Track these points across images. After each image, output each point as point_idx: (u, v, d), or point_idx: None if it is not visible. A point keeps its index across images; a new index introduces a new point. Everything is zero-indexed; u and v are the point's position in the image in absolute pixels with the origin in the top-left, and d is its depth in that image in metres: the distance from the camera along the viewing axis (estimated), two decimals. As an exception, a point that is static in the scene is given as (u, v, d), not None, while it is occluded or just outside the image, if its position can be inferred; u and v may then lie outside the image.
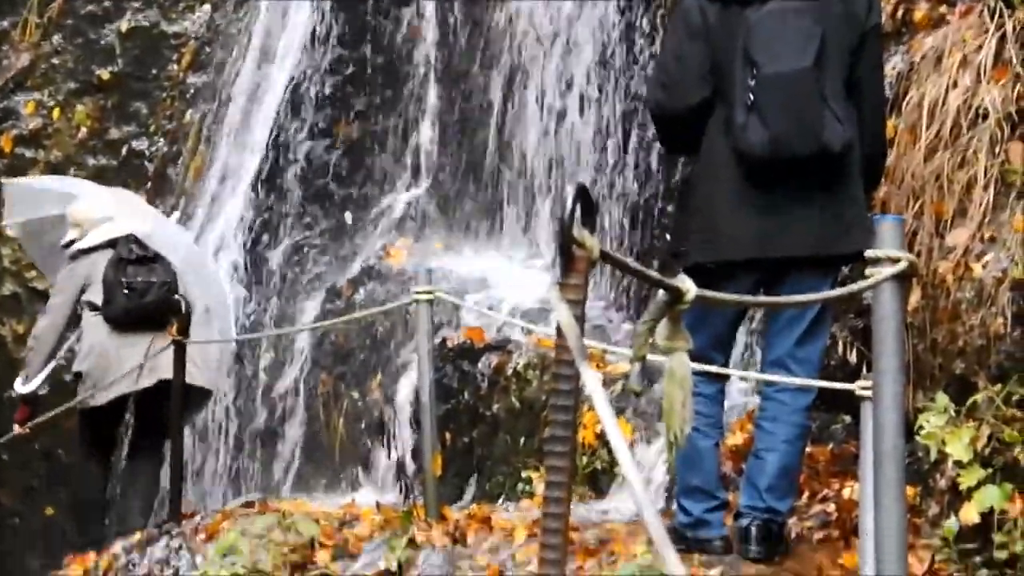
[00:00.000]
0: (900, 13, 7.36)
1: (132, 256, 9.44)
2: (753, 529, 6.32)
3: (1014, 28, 6.84)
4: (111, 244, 9.57)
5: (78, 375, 9.50)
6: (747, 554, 6.24)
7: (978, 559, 6.05)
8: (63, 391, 9.92)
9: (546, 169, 9.03)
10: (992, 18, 6.94)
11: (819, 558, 6.28)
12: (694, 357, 6.07)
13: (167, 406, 9.13)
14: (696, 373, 6.05)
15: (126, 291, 9.37)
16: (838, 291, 4.39)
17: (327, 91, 9.88)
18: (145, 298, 9.30)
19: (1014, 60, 6.80)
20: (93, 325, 9.44)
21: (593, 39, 8.86)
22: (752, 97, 6.18)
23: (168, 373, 9.02)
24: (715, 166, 6.34)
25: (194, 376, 9.18)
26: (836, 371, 6.90)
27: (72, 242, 9.64)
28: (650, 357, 3.46)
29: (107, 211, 9.78)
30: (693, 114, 6.29)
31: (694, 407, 6.19)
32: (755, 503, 6.33)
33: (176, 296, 9.26)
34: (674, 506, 7.13)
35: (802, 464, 6.53)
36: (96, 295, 9.45)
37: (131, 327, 9.35)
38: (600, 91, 8.82)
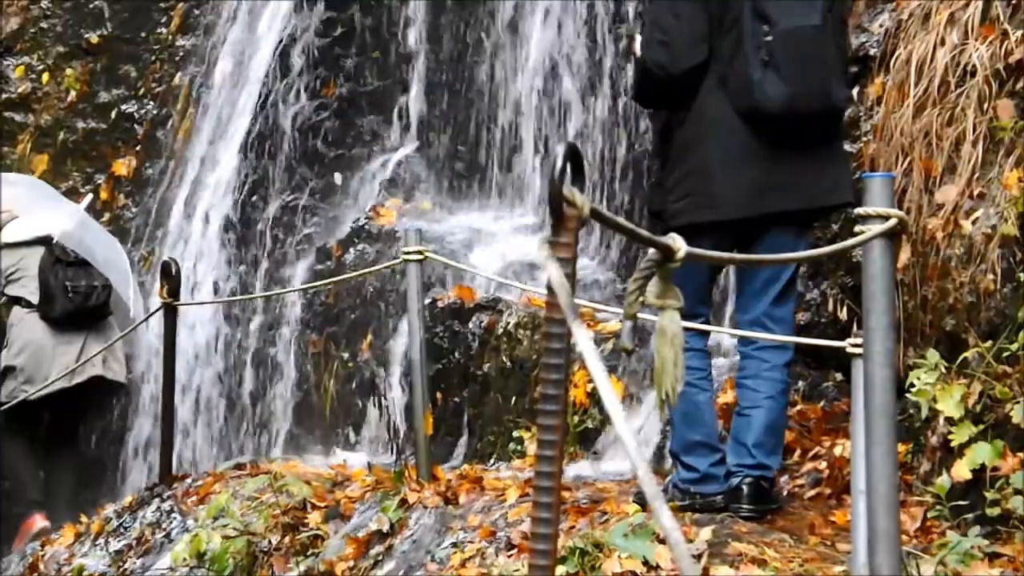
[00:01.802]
0: (883, -33, 7.36)
1: (70, 258, 9.68)
2: (744, 487, 6.33)
3: (1002, -12, 6.85)
4: (40, 241, 9.73)
5: (8, 368, 9.73)
6: (739, 512, 6.25)
7: (970, 516, 6.04)
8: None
9: (536, 128, 9.01)
10: (979, -24, 6.94)
11: (811, 516, 6.30)
12: (683, 314, 6.14)
13: (90, 401, 9.94)
14: (686, 328, 6.07)
15: (70, 294, 9.65)
16: (828, 248, 4.39)
17: (316, 52, 9.85)
18: (88, 302, 9.80)
19: (1001, 17, 6.79)
20: (27, 322, 9.81)
21: (582, 6, 8.85)
22: (769, 53, 6.21)
23: (99, 371, 9.68)
24: (709, 125, 6.33)
25: (116, 372, 9.86)
26: (827, 328, 6.92)
27: None
28: (640, 315, 3.44)
29: (24, 204, 9.91)
30: (692, 74, 6.28)
31: (687, 362, 6.25)
32: (744, 460, 6.34)
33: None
34: (668, 464, 7.14)
35: (787, 420, 6.56)
36: (29, 292, 9.79)
37: (68, 326, 9.76)
38: (589, 49, 8.80)
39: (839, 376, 6.78)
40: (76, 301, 9.83)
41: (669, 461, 7.17)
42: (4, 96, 10.87)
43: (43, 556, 8.60)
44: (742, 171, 6.27)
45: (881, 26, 7.34)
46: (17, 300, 9.88)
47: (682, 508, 6.22)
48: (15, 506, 9.86)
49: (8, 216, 9.96)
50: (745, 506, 6.28)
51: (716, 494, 6.31)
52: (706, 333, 6.44)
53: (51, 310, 9.83)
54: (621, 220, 3.44)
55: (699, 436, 6.33)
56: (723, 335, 7.46)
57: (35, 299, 9.83)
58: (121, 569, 7.88)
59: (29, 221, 9.96)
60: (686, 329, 5.96)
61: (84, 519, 8.74)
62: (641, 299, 3.36)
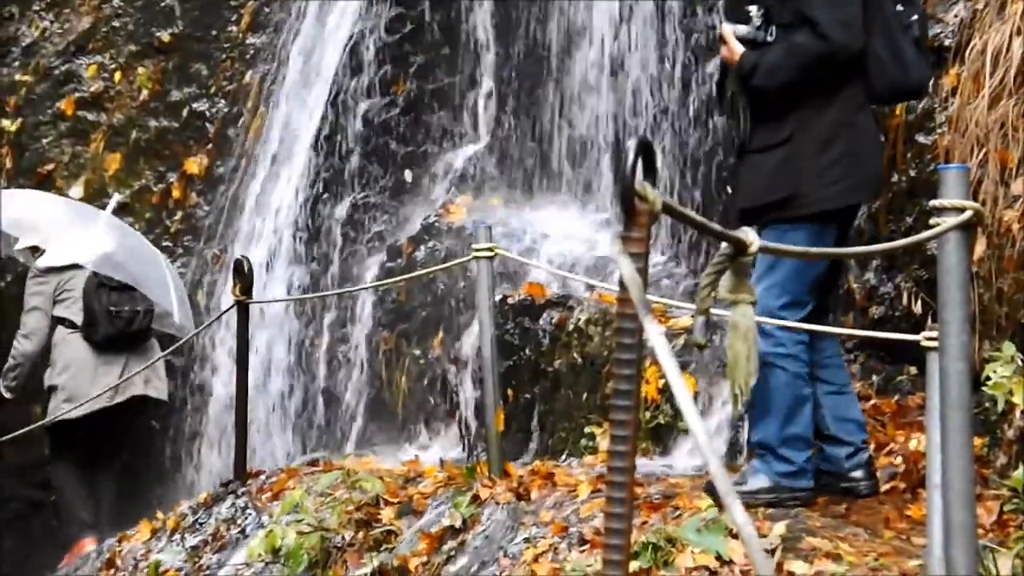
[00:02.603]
0: (955, -42, 7.32)
1: (113, 282, 9.93)
2: (868, 462, 6.41)
3: (1079, -29, 6.81)
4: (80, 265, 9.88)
5: (51, 387, 9.87)
6: (869, 490, 6.33)
7: (1047, 509, 6.04)
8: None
9: (606, 123, 9.01)
10: (1055, -39, 6.90)
11: (885, 510, 6.27)
12: (796, 302, 6.19)
13: (129, 419, 10.11)
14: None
15: (113, 318, 9.95)
16: (903, 241, 4.37)
17: (386, 49, 9.87)
18: (131, 326, 10.05)
19: (1083, 7, 6.76)
20: (70, 343, 10.01)
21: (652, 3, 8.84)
22: (916, 35, 6.35)
23: (140, 391, 9.92)
24: (859, 108, 6.36)
25: (159, 391, 10.11)
26: (901, 322, 6.88)
27: (35, 249, 9.90)
28: (713, 311, 3.44)
29: (56, 227, 10.04)
30: (858, 55, 6.29)
31: (798, 354, 6.27)
32: (858, 436, 6.43)
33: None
34: (741, 459, 7.13)
35: None
36: (73, 314, 10.00)
37: (110, 348, 9.96)
38: (659, 44, 8.79)
39: (913, 370, 6.75)
40: (119, 325, 10.05)
41: (743, 455, 7.17)
42: (77, 95, 10.94)
43: (120, 552, 8.66)
44: (879, 155, 6.48)
45: (956, 16, 7.29)
46: (61, 320, 10.03)
47: (770, 504, 6.21)
48: (66, 526, 9.94)
49: (50, 236, 10.11)
50: (866, 482, 6.32)
51: (805, 489, 6.29)
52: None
53: (94, 333, 10.03)
54: (693, 214, 3.45)
55: (799, 429, 6.30)
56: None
57: (79, 320, 9.99)
58: (196, 564, 7.93)
59: (68, 245, 10.08)
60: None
61: (160, 515, 8.79)
62: (713, 294, 3.36)
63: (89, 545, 9.79)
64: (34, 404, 10.30)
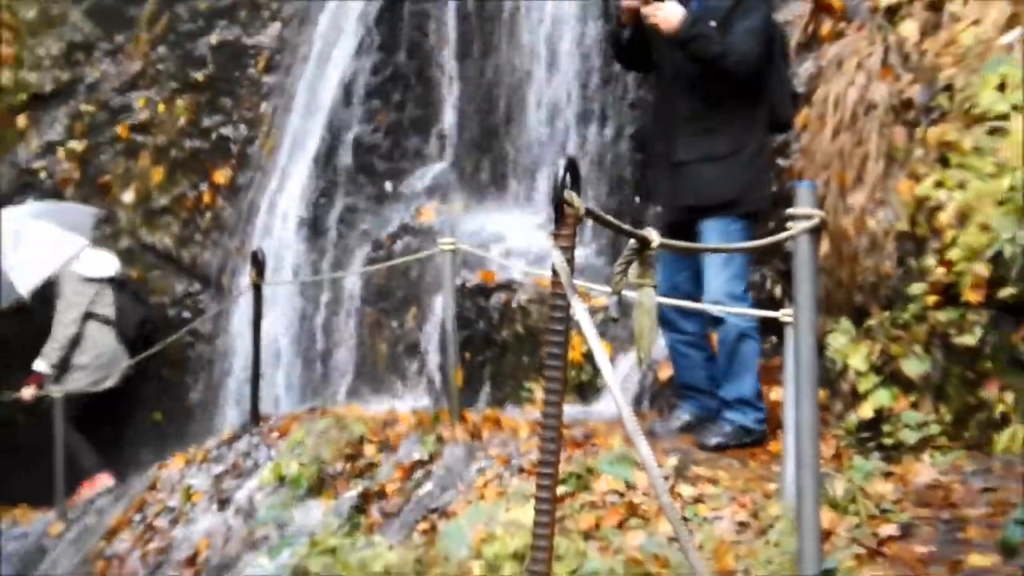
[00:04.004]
0: (811, 28, 7.35)
1: (141, 296, 10.45)
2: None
3: (895, 40, 6.87)
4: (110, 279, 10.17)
5: (76, 366, 10.02)
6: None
7: (871, 445, 6.12)
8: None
9: (542, 147, 9.01)
10: (879, 32, 6.97)
11: (752, 447, 6.33)
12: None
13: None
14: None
15: (140, 323, 10.26)
16: (768, 240, 4.39)
17: (371, 87, 9.85)
18: (154, 335, 10.20)
19: (896, 65, 6.83)
20: (103, 333, 10.01)
21: (577, 52, 8.84)
22: (791, 85, 6.58)
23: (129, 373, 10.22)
24: (765, 136, 6.50)
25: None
26: (765, 303, 6.92)
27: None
28: (625, 292, 3.47)
29: (84, 239, 10.21)
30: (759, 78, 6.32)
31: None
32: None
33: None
34: (644, 407, 7.15)
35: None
36: (107, 311, 9.98)
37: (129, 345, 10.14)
38: (583, 86, 8.80)
39: (775, 339, 6.79)
40: (146, 330, 10.24)
41: (645, 405, 7.21)
42: (130, 122, 10.88)
43: (159, 477, 8.64)
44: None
45: (807, 70, 7.37)
46: (94, 315, 10.01)
47: (742, 444, 6.31)
48: (77, 471, 9.87)
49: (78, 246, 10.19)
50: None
51: (763, 429, 6.40)
52: None
53: (123, 332, 10.12)
54: (609, 217, 3.47)
55: (758, 386, 6.45)
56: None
57: (111, 316, 9.98)
58: (219, 488, 7.92)
59: (98, 258, 10.22)
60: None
61: (192, 450, 8.78)
62: (624, 280, 3.38)
63: (106, 480, 9.79)
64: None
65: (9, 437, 10.41)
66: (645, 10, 6.15)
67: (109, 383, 10.08)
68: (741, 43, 6.12)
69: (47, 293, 10.18)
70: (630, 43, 6.43)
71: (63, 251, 10.11)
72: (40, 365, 10.02)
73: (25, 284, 10.13)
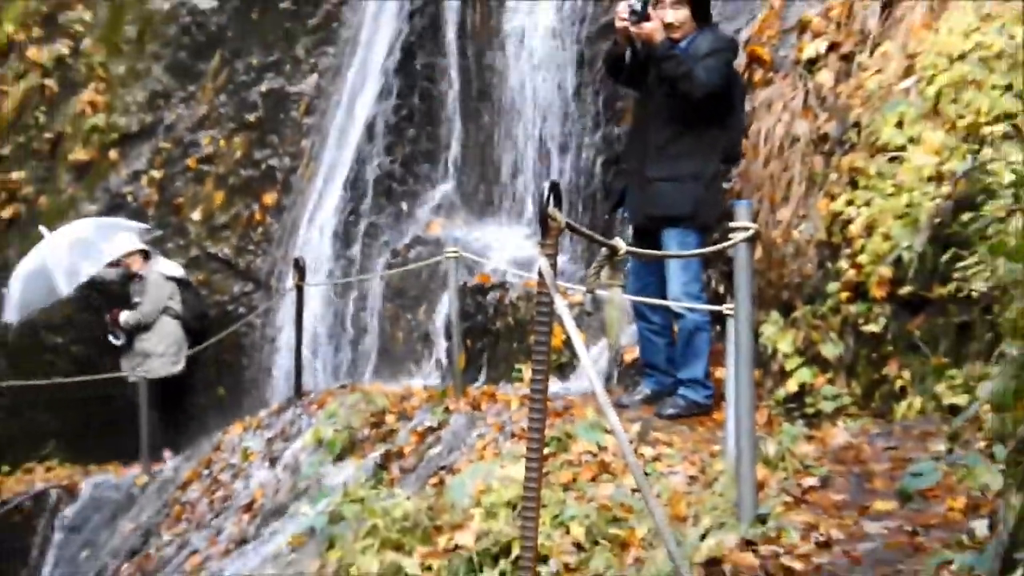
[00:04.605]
0: (746, 75, 7.35)
1: (201, 294, 10.34)
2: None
3: (814, 86, 6.88)
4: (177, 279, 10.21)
5: (147, 354, 10.03)
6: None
7: (796, 414, 6.11)
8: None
9: (531, 174, 9.01)
10: (801, 79, 6.97)
11: (700, 417, 6.32)
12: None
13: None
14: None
15: (199, 316, 10.29)
16: (712, 248, 4.39)
17: (390, 126, 9.84)
18: (202, 322, 10.29)
19: (815, 106, 6.83)
20: (172, 325, 10.06)
21: (558, 96, 8.83)
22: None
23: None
24: (721, 163, 6.40)
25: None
26: (711, 299, 6.92)
27: (144, 256, 10.16)
28: (597, 291, 3.45)
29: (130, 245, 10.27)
30: (717, 111, 6.25)
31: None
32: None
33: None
34: (613, 383, 7.13)
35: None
36: (176, 307, 10.07)
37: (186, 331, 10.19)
38: (563, 123, 8.80)
39: (718, 328, 6.81)
40: (203, 324, 10.26)
41: (614, 382, 7.19)
42: (197, 155, 10.87)
43: (223, 441, 8.64)
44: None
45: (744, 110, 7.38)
46: (167, 309, 10.00)
47: (692, 414, 6.26)
48: (154, 448, 9.86)
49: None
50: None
51: (710, 404, 6.34)
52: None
53: (189, 324, 10.15)
54: (585, 229, 3.45)
55: (707, 368, 6.40)
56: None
57: (179, 311, 9.98)
58: (270, 449, 7.91)
59: (171, 264, 10.30)
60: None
61: (248, 418, 8.77)
62: (597, 280, 3.37)
63: (169, 458, 9.76)
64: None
65: (106, 411, 10.39)
66: (633, 29, 6.12)
67: (176, 369, 10.04)
68: (702, 72, 6.09)
69: (124, 290, 10.24)
70: (630, 66, 6.37)
71: (111, 252, 10.16)
72: (126, 315, 10.09)
73: (68, 285, 10.11)
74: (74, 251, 10.09)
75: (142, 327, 10.06)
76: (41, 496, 9.83)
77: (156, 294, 10.06)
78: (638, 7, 6.05)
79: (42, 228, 10.42)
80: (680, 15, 6.24)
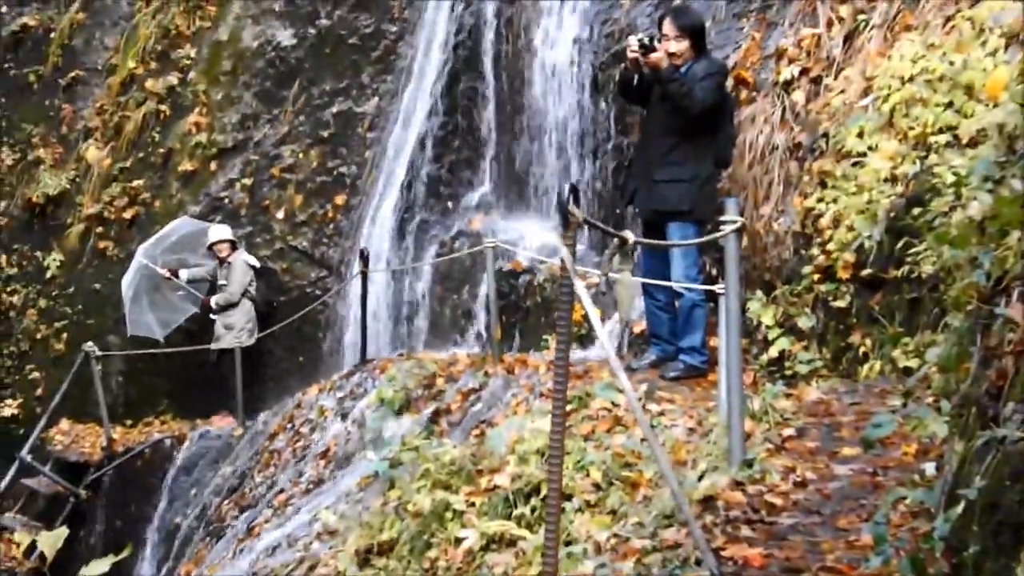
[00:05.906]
0: (735, 94, 7.27)
1: (265, 281, 10.32)
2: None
3: (789, 103, 6.80)
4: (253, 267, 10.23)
5: (227, 325, 10.05)
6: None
7: (777, 375, 6.06)
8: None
9: (554, 178, 8.96)
10: (779, 98, 6.90)
11: (698, 378, 6.27)
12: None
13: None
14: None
15: (269, 302, 10.29)
16: (707, 238, 4.34)
17: (437, 139, 9.82)
18: (271, 307, 10.25)
19: (790, 120, 6.76)
20: (249, 305, 10.24)
21: (578, 112, 8.75)
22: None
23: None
24: (714, 166, 6.33)
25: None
26: (706, 280, 6.87)
27: (232, 246, 10.16)
28: (610, 274, 3.42)
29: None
30: (711, 124, 6.17)
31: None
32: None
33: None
34: (624, 350, 7.09)
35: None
36: (253, 292, 10.17)
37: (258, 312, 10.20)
38: (581, 135, 8.74)
39: (712, 304, 6.75)
40: (271, 309, 10.28)
41: (624, 350, 7.15)
42: (279, 166, 10.88)
43: (303, 400, 8.66)
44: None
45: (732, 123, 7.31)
46: (247, 292, 10.04)
47: (689, 376, 6.16)
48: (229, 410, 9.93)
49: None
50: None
51: (705, 368, 6.25)
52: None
53: (262, 310, 10.23)
54: (600, 223, 3.41)
55: (704, 338, 6.27)
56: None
57: (255, 296, 10.15)
58: (342, 406, 7.92)
59: (250, 256, 10.31)
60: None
61: (323, 381, 8.78)
62: (610, 266, 3.33)
63: (227, 416, 9.80)
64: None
65: (207, 375, 10.45)
66: (642, 59, 6.10)
67: (249, 342, 10.03)
68: (699, 92, 6.08)
69: (214, 278, 10.35)
70: (638, 87, 6.33)
71: (211, 235, 10.29)
72: (215, 298, 10.19)
73: (163, 329, 10.44)
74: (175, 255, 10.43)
75: (230, 305, 10.12)
76: (158, 444, 9.93)
77: (240, 279, 10.13)
78: (647, 41, 6.08)
79: (140, 257, 10.48)
80: (681, 46, 6.23)
